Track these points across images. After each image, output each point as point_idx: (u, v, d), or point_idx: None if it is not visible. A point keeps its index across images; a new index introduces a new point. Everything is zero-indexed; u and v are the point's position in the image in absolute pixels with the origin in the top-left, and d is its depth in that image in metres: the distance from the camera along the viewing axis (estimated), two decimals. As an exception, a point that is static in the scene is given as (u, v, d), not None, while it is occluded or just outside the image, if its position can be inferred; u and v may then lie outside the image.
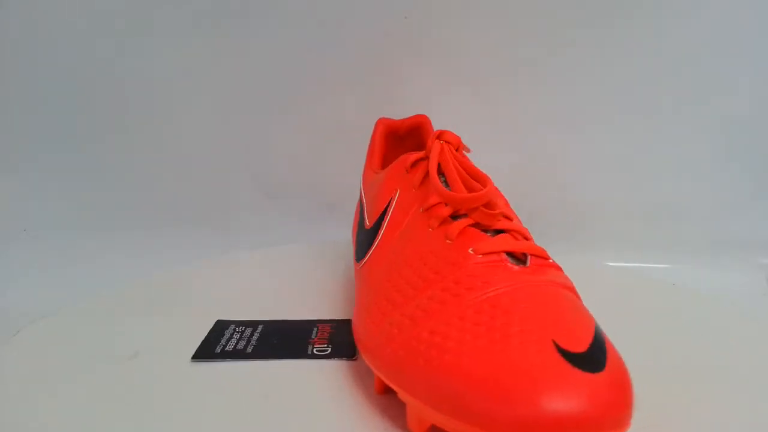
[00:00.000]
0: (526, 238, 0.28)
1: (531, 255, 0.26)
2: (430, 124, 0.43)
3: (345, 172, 0.63)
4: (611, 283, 0.46)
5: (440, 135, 0.33)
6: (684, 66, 0.60)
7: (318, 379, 0.30)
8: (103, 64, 0.60)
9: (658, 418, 0.28)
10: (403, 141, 0.46)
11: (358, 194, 0.42)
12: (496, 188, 0.32)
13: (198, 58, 0.60)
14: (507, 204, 0.32)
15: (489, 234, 0.28)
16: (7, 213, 0.63)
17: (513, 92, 0.61)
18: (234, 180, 0.65)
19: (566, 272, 0.28)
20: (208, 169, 0.64)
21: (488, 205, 0.28)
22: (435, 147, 0.31)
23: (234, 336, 0.34)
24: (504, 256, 0.26)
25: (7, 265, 0.62)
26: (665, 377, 0.32)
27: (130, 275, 0.45)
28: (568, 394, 0.19)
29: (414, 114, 0.46)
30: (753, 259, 0.65)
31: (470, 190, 0.29)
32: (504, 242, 0.26)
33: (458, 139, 0.33)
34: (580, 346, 0.21)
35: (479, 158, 0.35)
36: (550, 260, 0.27)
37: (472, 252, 0.26)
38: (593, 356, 0.21)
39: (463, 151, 0.34)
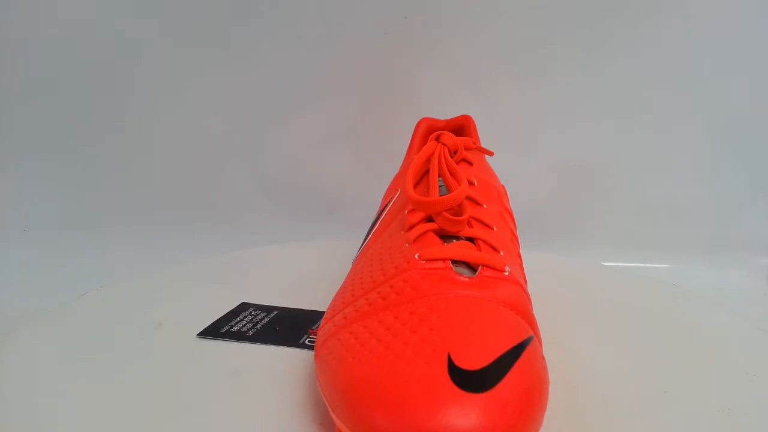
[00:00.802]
0: (495, 249, 0.27)
1: (483, 266, 0.25)
2: (474, 124, 0.43)
3: (345, 172, 0.64)
4: (611, 283, 0.46)
5: (439, 137, 0.33)
6: (684, 66, 0.60)
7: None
8: (104, 64, 0.60)
9: (658, 418, 0.28)
10: None
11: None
12: (500, 195, 0.32)
13: (198, 58, 0.60)
14: (503, 211, 0.31)
15: (447, 240, 0.27)
16: (7, 213, 0.63)
17: (513, 92, 0.61)
18: (234, 180, 0.65)
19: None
20: (209, 169, 0.64)
21: (457, 211, 0.28)
22: (426, 149, 0.31)
23: (246, 318, 0.35)
24: (449, 264, 0.25)
25: (7, 265, 0.62)
26: (665, 377, 0.32)
27: (130, 275, 0.45)
28: (433, 410, 0.18)
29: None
30: (753, 259, 0.65)
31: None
32: (453, 250, 0.26)
33: (456, 142, 0.32)
34: (477, 364, 0.20)
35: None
36: (505, 273, 0.25)
37: (417, 257, 0.25)
38: (484, 376, 0.19)
39: (485, 155, 0.36)
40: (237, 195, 0.65)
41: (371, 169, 0.61)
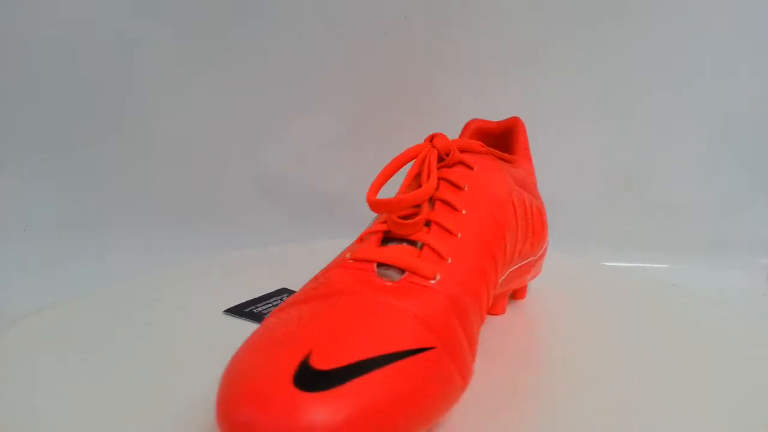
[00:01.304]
0: (441, 256, 0.26)
1: (409, 272, 0.25)
2: (523, 127, 0.42)
3: (345, 172, 0.64)
4: (611, 283, 0.46)
5: (432, 138, 0.32)
6: (684, 65, 0.60)
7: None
8: (104, 64, 0.60)
9: (658, 418, 0.28)
10: (496, 142, 0.43)
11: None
12: (496, 204, 0.31)
13: (199, 58, 0.60)
14: (488, 220, 0.30)
15: (390, 242, 0.27)
16: (7, 213, 0.63)
17: (512, 92, 0.61)
18: (234, 180, 0.65)
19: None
20: (209, 169, 0.64)
21: (410, 214, 0.28)
22: (409, 150, 0.31)
23: (275, 302, 0.38)
24: (373, 266, 0.25)
25: (7, 265, 0.62)
26: (665, 377, 0.32)
27: (130, 274, 0.45)
28: (255, 404, 0.18)
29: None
30: (753, 259, 0.65)
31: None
32: (384, 253, 0.25)
33: (448, 145, 0.31)
34: (330, 364, 0.19)
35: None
36: (433, 281, 0.25)
37: (348, 257, 0.26)
38: (330, 377, 0.19)
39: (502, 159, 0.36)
40: (237, 195, 0.65)
41: (371, 169, 0.60)
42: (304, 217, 0.65)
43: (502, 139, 0.42)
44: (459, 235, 0.28)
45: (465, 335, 0.25)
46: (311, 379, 0.19)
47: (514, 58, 0.60)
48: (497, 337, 0.35)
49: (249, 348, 0.21)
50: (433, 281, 0.25)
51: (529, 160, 0.41)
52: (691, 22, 0.59)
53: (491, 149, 0.35)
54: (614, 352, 0.35)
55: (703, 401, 0.29)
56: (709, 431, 0.27)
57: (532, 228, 0.35)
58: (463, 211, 0.29)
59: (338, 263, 0.26)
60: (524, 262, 0.36)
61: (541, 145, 0.63)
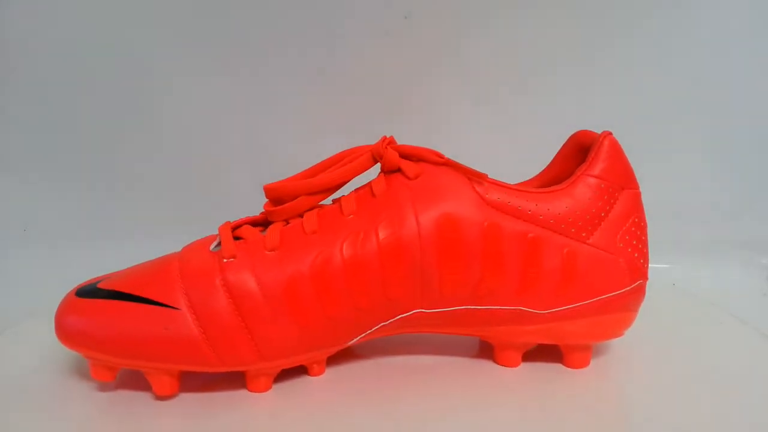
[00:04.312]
0: (265, 246, 0.30)
1: (222, 245, 0.30)
2: (602, 144, 0.34)
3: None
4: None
5: (384, 140, 0.32)
6: (684, 65, 0.60)
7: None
8: (104, 63, 0.60)
9: (658, 418, 0.28)
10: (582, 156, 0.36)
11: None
12: (396, 219, 0.29)
13: (199, 58, 0.60)
14: (364, 226, 0.29)
15: (258, 225, 0.33)
16: (7, 213, 0.63)
17: (511, 92, 0.61)
18: (234, 180, 0.65)
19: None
20: (209, 169, 0.64)
21: (277, 204, 0.32)
22: (354, 149, 0.33)
23: None
24: (210, 240, 0.32)
25: (7, 265, 0.62)
26: (665, 377, 0.32)
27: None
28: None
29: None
30: (753, 259, 0.65)
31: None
32: (224, 231, 0.31)
33: (382, 152, 0.31)
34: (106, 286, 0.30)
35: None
36: (225, 261, 0.29)
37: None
38: (90, 293, 0.30)
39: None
40: (237, 195, 0.65)
41: (371, 169, 0.60)
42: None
43: (585, 152, 0.35)
44: (314, 234, 0.29)
45: (245, 325, 0.28)
46: (84, 292, 0.30)
47: (513, 57, 0.60)
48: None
49: None
50: (226, 260, 0.29)
51: (597, 190, 0.31)
52: (691, 20, 0.58)
53: (459, 165, 0.31)
54: (614, 351, 0.35)
55: (703, 401, 0.29)
56: (709, 431, 0.27)
57: (535, 272, 0.30)
58: (350, 217, 0.29)
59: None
60: (502, 308, 0.30)
61: (541, 146, 0.63)
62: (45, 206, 0.64)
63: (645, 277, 0.32)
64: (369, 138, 0.44)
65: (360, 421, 0.27)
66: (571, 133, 0.37)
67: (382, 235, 0.28)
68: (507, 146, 0.61)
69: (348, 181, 0.31)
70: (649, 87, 0.61)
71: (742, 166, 0.63)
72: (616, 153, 0.33)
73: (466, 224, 0.29)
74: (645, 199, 0.34)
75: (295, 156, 0.64)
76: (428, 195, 0.29)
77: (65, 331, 0.29)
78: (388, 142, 0.32)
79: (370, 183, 0.31)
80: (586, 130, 0.36)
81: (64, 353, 0.34)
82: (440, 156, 0.31)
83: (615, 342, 0.35)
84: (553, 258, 0.30)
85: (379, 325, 0.30)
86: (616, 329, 0.33)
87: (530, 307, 0.30)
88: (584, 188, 0.32)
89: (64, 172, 0.63)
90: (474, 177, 0.30)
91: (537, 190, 0.31)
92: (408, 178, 0.30)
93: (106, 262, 0.63)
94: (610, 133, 0.34)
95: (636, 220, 0.32)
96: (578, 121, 0.61)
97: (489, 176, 0.31)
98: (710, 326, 0.39)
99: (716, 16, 0.58)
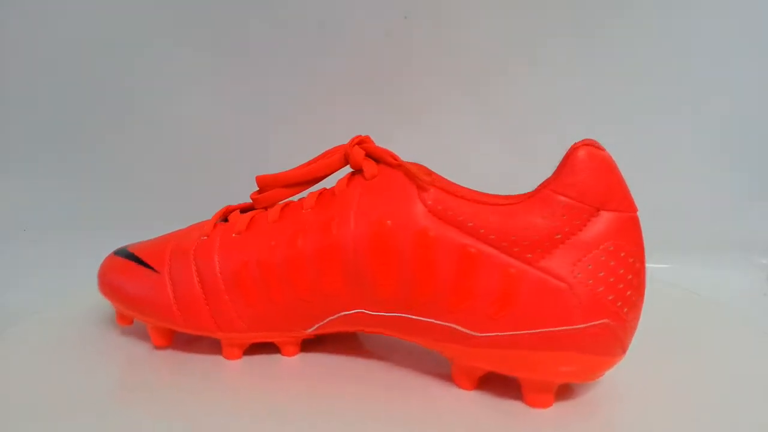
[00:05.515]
0: (232, 229, 0.34)
1: (205, 225, 0.35)
2: (579, 163, 0.30)
3: (345, 172, 0.63)
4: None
5: (357, 140, 0.33)
6: (683, 65, 0.60)
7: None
8: (103, 63, 0.60)
9: (658, 418, 0.28)
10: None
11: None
12: (335, 218, 0.30)
13: (198, 58, 0.60)
14: (290, 222, 0.32)
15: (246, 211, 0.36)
16: (7, 213, 0.63)
17: (510, 92, 0.61)
18: (234, 180, 0.65)
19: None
20: (209, 170, 0.64)
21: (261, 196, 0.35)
22: (340, 147, 0.34)
23: None
24: (218, 217, 0.36)
25: (7, 265, 0.62)
26: (664, 378, 0.32)
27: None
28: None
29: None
30: (753, 259, 0.65)
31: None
32: (216, 214, 0.37)
33: (350, 152, 0.32)
34: (135, 251, 0.36)
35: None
36: (204, 238, 0.34)
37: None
38: (132, 257, 0.35)
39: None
40: (237, 195, 0.65)
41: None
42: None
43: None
44: (274, 224, 0.32)
45: (205, 297, 0.32)
46: (119, 251, 0.36)
47: (512, 58, 0.60)
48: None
49: None
50: (205, 237, 0.34)
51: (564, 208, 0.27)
52: (690, 20, 0.58)
53: (413, 169, 0.29)
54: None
55: (703, 402, 0.29)
56: (709, 430, 0.27)
57: (467, 289, 0.27)
58: (306, 210, 0.32)
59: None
60: (436, 322, 0.28)
61: (541, 146, 0.63)
62: (45, 206, 0.64)
63: (616, 318, 0.26)
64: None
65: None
66: (571, 129, 0.36)
67: (323, 231, 0.30)
68: (507, 146, 0.61)
69: (321, 178, 0.34)
70: (649, 87, 0.61)
71: (742, 167, 0.63)
72: (594, 167, 0.28)
73: (399, 230, 0.28)
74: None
75: (296, 155, 0.64)
76: (373, 197, 0.29)
77: (99, 281, 0.35)
78: (358, 141, 0.32)
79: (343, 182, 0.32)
80: (588, 140, 0.31)
81: (65, 353, 0.34)
82: (395, 158, 0.30)
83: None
84: (490, 277, 0.26)
85: (327, 319, 0.31)
86: (580, 372, 0.27)
87: (464, 326, 0.27)
88: (541, 204, 0.27)
89: (64, 172, 0.63)
90: (422, 183, 0.28)
91: (485, 201, 0.28)
92: (365, 178, 0.31)
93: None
94: (590, 144, 0.29)
95: (611, 248, 0.26)
96: (576, 115, 0.62)
97: (485, 184, 0.31)
98: (710, 327, 0.39)
99: (719, 14, 0.58)
